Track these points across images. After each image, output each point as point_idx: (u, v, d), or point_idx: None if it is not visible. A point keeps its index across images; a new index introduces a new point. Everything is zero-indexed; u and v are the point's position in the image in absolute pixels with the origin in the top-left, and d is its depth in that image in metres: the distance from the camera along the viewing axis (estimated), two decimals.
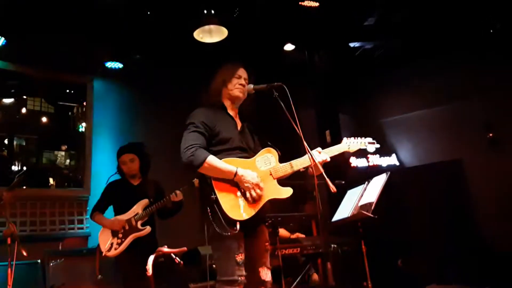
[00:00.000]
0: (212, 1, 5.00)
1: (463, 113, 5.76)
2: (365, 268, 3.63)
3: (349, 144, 3.08)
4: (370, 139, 3.17)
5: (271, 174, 2.74)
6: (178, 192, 4.05)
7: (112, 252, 3.97)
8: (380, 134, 6.78)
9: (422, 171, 6.00)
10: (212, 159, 2.57)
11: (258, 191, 2.58)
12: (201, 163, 2.54)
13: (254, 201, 2.59)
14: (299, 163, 2.81)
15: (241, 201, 2.58)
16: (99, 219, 4.14)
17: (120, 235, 4.01)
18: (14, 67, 5.83)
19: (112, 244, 4.01)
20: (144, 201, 4.11)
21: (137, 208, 4.09)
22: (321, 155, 2.84)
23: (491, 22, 5.18)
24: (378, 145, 3.18)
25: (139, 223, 4.03)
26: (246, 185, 2.56)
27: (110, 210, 4.28)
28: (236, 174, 2.56)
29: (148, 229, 4.03)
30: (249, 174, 2.59)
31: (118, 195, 4.19)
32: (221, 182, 2.59)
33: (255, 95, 2.95)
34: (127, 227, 4.02)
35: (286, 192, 2.74)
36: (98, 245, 4.08)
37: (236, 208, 2.54)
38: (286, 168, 2.79)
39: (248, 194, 2.57)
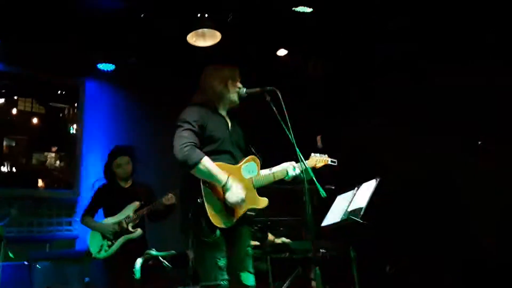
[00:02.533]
0: (206, 5, 5.02)
1: (454, 121, 5.79)
2: (354, 274, 3.64)
3: (316, 160, 3.21)
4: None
5: (252, 183, 2.77)
6: (170, 195, 4.05)
7: (102, 254, 3.96)
8: (371, 141, 6.80)
9: (412, 177, 6.02)
10: (206, 161, 2.54)
11: (242, 207, 2.61)
12: (196, 163, 2.51)
13: (235, 208, 2.61)
14: (280, 174, 2.89)
15: (225, 209, 2.59)
16: (89, 222, 4.13)
17: (111, 237, 4.00)
18: (5, 68, 5.82)
19: (102, 246, 4.00)
20: (135, 204, 4.11)
21: (128, 211, 4.09)
22: (296, 170, 2.91)
23: (486, 30, 5.23)
24: (336, 163, 3.34)
25: (130, 225, 4.02)
26: (232, 198, 2.56)
27: (99, 212, 4.27)
28: (226, 183, 2.55)
29: (139, 231, 4.02)
30: (237, 188, 2.58)
31: (109, 198, 4.19)
32: (210, 186, 2.58)
33: (247, 99, 2.96)
34: (118, 230, 4.01)
35: (263, 202, 2.79)
36: (88, 247, 4.07)
37: (218, 214, 2.55)
38: (268, 179, 2.85)
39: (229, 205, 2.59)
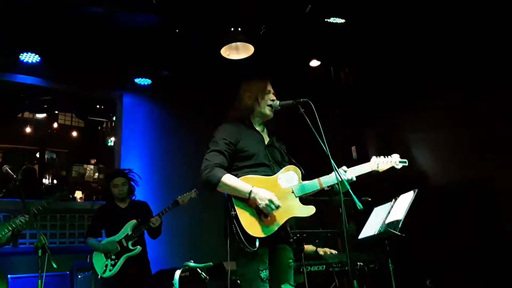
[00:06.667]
0: (239, 18, 5.08)
1: (494, 130, 5.63)
2: (392, 287, 3.56)
3: (378, 163, 2.95)
4: (398, 157, 3.06)
5: (293, 192, 2.73)
6: (154, 219, 4.27)
7: (108, 274, 4.10)
8: (407, 151, 6.68)
9: (451, 189, 5.87)
10: (227, 178, 2.58)
11: (273, 205, 2.53)
12: (217, 183, 2.57)
13: (272, 217, 2.58)
14: (327, 180, 2.78)
15: (261, 218, 2.58)
16: (92, 244, 4.30)
17: (113, 257, 4.15)
18: (46, 83, 6.04)
19: (106, 265, 4.16)
20: (133, 222, 4.27)
21: (126, 229, 4.24)
22: (348, 174, 2.79)
23: None
24: (406, 163, 3.06)
25: (129, 243, 4.17)
26: (260, 202, 2.54)
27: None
28: (250, 192, 2.56)
29: (138, 248, 4.17)
30: (262, 192, 2.56)
31: (108, 219, 4.41)
32: (242, 199, 2.60)
33: (280, 111, 2.96)
34: (119, 248, 4.16)
35: (309, 210, 2.71)
36: (94, 268, 4.22)
37: (255, 225, 2.55)
38: (313, 186, 2.77)
39: (265, 211, 2.56)
